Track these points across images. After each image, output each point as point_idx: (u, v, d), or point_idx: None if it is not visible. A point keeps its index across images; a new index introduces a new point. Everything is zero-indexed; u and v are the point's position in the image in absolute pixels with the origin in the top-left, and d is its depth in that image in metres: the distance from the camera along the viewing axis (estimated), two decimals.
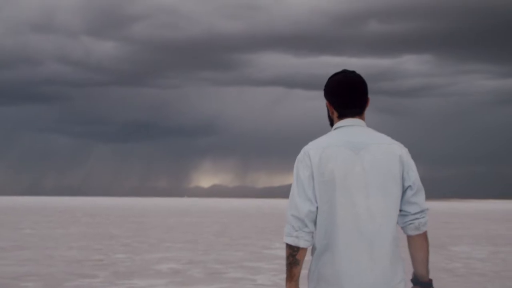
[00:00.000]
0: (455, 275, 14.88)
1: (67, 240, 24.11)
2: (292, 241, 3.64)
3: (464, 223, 43.66)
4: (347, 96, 3.75)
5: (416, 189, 3.68)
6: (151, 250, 20.43)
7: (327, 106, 3.87)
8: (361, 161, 3.62)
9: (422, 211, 3.70)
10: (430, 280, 3.78)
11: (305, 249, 3.65)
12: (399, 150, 3.70)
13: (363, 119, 3.82)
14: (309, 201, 3.61)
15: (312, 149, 3.68)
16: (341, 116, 3.79)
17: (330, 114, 3.86)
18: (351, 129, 3.74)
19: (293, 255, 3.66)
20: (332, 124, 3.88)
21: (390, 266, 3.60)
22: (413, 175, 3.68)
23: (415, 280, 3.78)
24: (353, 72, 3.84)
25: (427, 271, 3.77)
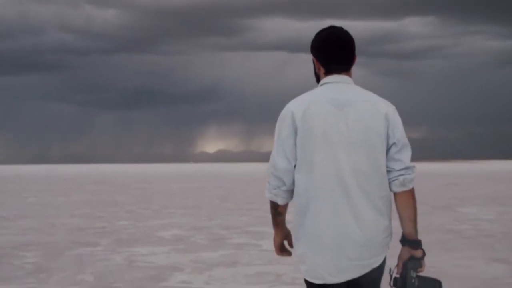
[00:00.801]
0: (463, 236, 14.61)
1: (70, 208, 23.91)
2: (271, 198, 3.77)
3: (470, 184, 43.43)
4: (334, 51, 3.74)
5: (400, 146, 3.67)
6: (154, 216, 20.21)
7: (313, 62, 3.83)
8: (345, 118, 3.60)
9: (407, 168, 3.68)
10: (419, 240, 3.74)
11: (284, 205, 3.79)
12: (386, 107, 3.68)
13: (350, 76, 3.79)
14: (287, 159, 3.64)
15: (296, 106, 3.66)
16: (328, 73, 3.77)
17: (317, 71, 3.84)
18: (336, 85, 3.72)
19: (275, 208, 3.81)
20: (318, 80, 3.85)
21: (373, 222, 3.61)
22: (398, 132, 3.67)
23: (403, 239, 3.74)
24: (341, 28, 3.82)
25: (415, 230, 3.72)
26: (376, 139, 3.63)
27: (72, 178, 67.04)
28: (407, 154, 3.69)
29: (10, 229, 16.77)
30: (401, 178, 3.68)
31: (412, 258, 3.74)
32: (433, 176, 64.39)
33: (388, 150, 3.68)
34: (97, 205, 25.43)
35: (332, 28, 3.83)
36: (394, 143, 3.67)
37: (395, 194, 3.73)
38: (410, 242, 3.74)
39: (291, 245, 3.89)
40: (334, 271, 3.63)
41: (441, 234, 14.98)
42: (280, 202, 3.76)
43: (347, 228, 3.60)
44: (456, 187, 38.70)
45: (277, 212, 3.82)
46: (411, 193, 3.73)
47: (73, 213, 21.42)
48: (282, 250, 3.94)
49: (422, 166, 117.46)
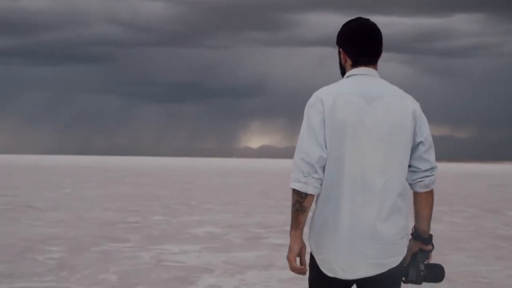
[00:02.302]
0: None
1: (105, 200, 23.34)
2: (301, 187, 3.56)
3: None
4: (363, 43, 3.67)
5: (428, 146, 3.63)
6: (191, 212, 19.51)
7: (339, 54, 3.77)
8: (373, 113, 3.55)
9: (432, 168, 3.64)
10: (431, 236, 3.78)
11: (312, 196, 3.59)
12: (412, 104, 3.63)
13: (376, 69, 3.72)
14: (320, 146, 3.54)
15: (325, 95, 3.58)
16: (355, 64, 3.70)
17: (343, 62, 3.77)
18: (364, 78, 3.65)
19: (300, 201, 3.59)
20: (343, 73, 3.78)
21: (393, 220, 3.56)
22: (425, 131, 3.63)
23: (416, 234, 3.76)
24: (369, 20, 3.75)
25: (429, 227, 3.75)
26: (403, 135, 3.58)
27: (113, 170, 66.87)
28: (433, 153, 3.66)
29: (40, 221, 16.21)
30: (426, 180, 3.65)
31: (421, 250, 3.79)
32: (480, 177, 63.01)
33: (414, 148, 3.63)
34: (134, 198, 24.85)
35: (360, 20, 3.75)
36: (421, 142, 3.63)
37: (416, 193, 3.71)
38: (423, 239, 3.77)
39: (302, 262, 3.70)
40: (347, 267, 3.58)
41: (492, 240, 14.04)
42: (311, 191, 3.57)
43: (364, 224, 3.55)
44: (505, 189, 37.48)
45: (302, 207, 3.60)
46: (432, 193, 3.72)
47: (107, 206, 20.82)
48: (296, 263, 3.68)
49: (469, 167, 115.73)
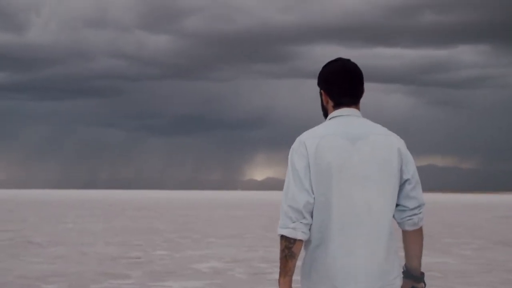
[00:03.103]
0: None
1: (107, 235, 22.99)
2: (289, 233, 3.47)
3: None
4: (344, 84, 3.64)
5: (414, 183, 3.58)
6: (193, 246, 19.15)
7: (321, 95, 3.73)
8: (358, 152, 3.51)
9: (419, 206, 3.60)
10: (422, 273, 3.71)
11: (301, 242, 3.50)
12: (397, 142, 3.60)
13: (358, 109, 3.69)
14: (306, 191, 3.47)
15: (309, 139, 3.54)
16: (337, 106, 3.66)
17: (325, 104, 3.72)
18: (347, 119, 3.62)
19: (289, 247, 3.49)
20: (326, 114, 3.73)
21: (386, 260, 3.50)
22: (412, 168, 3.59)
23: (407, 273, 3.69)
24: (349, 60, 3.74)
25: (420, 265, 3.71)
26: (390, 174, 3.52)
27: (117, 203, 66.52)
28: (420, 190, 3.62)
29: (40, 257, 15.87)
30: (415, 218, 3.59)
31: None
32: (486, 208, 62.50)
33: (401, 186, 3.57)
34: (137, 232, 24.50)
35: (341, 60, 3.72)
36: (408, 180, 3.57)
37: (404, 231, 3.64)
38: (415, 277, 3.69)
39: None
40: None
41: (503, 274, 13.65)
42: (300, 236, 3.47)
43: (359, 267, 3.46)
44: (511, 221, 37.04)
45: (291, 252, 3.47)
46: (421, 231, 3.66)
47: (109, 241, 20.48)
48: None
49: (475, 198, 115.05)
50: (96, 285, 11.62)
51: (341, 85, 3.64)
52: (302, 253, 3.59)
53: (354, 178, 3.50)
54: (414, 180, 3.58)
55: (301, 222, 3.49)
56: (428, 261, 15.42)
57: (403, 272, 3.69)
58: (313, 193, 3.51)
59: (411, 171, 3.58)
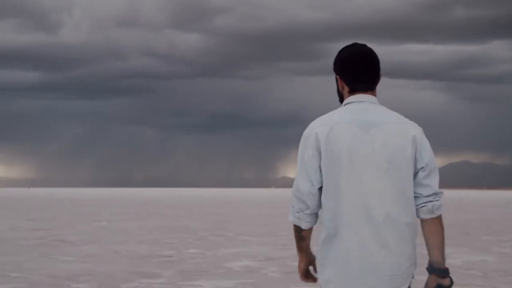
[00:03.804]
0: None
1: (140, 233, 22.80)
2: (295, 221, 3.58)
3: None
4: (359, 69, 3.57)
5: (429, 171, 3.49)
6: (226, 244, 18.88)
7: (336, 81, 3.67)
8: (371, 141, 3.45)
9: (435, 194, 3.50)
10: (446, 268, 3.54)
11: (308, 229, 3.58)
12: (413, 130, 3.51)
13: (374, 95, 3.61)
14: (310, 182, 3.48)
15: (320, 126, 3.51)
16: (352, 91, 3.60)
17: (340, 89, 3.66)
18: (362, 105, 3.55)
19: (299, 232, 3.61)
20: (342, 100, 3.67)
21: (400, 250, 3.44)
22: (427, 156, 3.50)
23: (430, 267, 3.55)
24: (365, 45, 3.65)
25: (443, 258, 3.55)
26: (403, 162, 3.45)
27: (151, 201, 66.54)
28: (435, 179, 3.52)
29: (71, 256, 15.69)
30: (429, 204, 3.49)
31: (439, 286, 3.54)
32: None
33: (415, 174, 3.50)
34: (170, 230, 24.30)
35: (356, 45, 3.65)
36: (422, 168, 3.49)
37: (422, 221, 3.55)
38: (438, 270, 3.54)
39: (316, 270, 3.67)
40: None
41: None
42: (304, 226, 3.57)
43: (372, 257, 3.42)
44: None
45: (301, 236, 3.62)
46: (439, 220, 3.54)
47: (141, 239, 20.27)
48: (307, 276, 3.74)
49: (510, 194, 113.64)
50: (126, 285, 11.37)
51: (356, 70, 3.58)
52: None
53: (366, 166, 3.45)
54: (428, 168, 3.50)
55: (304, 213, 3.54)
56: (467, 260, 15.00)
57: (427, 268, 3.59)
58: (318, 183, 3.49)
59: (425, 159, 3.50)
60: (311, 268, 3.74)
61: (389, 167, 3.45)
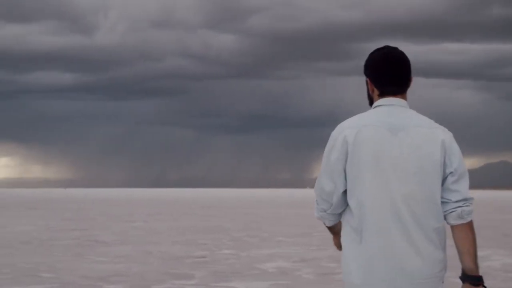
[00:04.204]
0: None
1: (173, 234, 22.74)
2: (319, 219, 3.66)
3: None
4: (390, 72, 3.54)
5: (458, 176, 3.44)
6: (261, 245, 18.72)
7: (366, 84, 3.65)
8: (399, 144, 3.43)
9: (465, 199, 3.43)
10: (480, 276, 3.42)
11: (333, 224, 3.64)
12: (442, 134, 3.48)
13: (405, 99, 3.59)
14: (333, 182, 3.47)
15: (348, 128, 3.48)
16: (382, 95, 3.57)
17: (370, 92, 3.63)
18: (391, 108, 3.52)
19: (327, 226, 3.70)
20: (371, 103, 3.63)
21: (429, 254, 3.39)
22: (456, 161, 3.44)
23: (463, 275, 3.45)
24: (396, 48, 3.62)
25: (476, 265, 3.44)
26: (431, 167, 3.41)
27: (185, 202, 66.66)
28: (465, 184, 3.46)
29: (104, 256, 15.64)
30: (458, 210, 3.43)
31: None
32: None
33: (444, 179, 3.45)
34: (204, 231, 24.21)
35: (387, 48, 3.63)
36: (451, 173, 3.44)
37: (452, 227, 3.48)
38: (470, 278, 3.43)
39: None
40: None
41: None
42: (327, 224, 3.65)
43: (402, 260, 3.38)
44: None
45: (329, 228, 3.71)
46: (470, 226, 3.46)
47: (176, 240, 20.20)
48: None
49: None
50: (159, 286, 11.26)
51: (386, 73, 3.55)
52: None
53: (393, 170, 3.41)
54: (457, 173, 3.45)
55: (327, 213, 3.56)
56: (506, 262, 14.69)
57: (460, 277, 3.51)
58: (343, 186, 3.46)
59: (454, 164, 3.45)
60: None
61: (417, 171, 3.41)
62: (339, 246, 3.77)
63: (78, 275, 12.45)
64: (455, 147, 3.48)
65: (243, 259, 15.19)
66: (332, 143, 3.51)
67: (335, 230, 3.72)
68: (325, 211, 3.57)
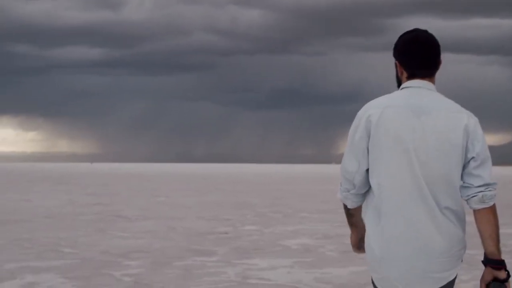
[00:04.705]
0: None
1: (198, 209, 22.59)
2: (341, 200, 3.67)
3: None
4: (419, 55, 3.56)
5: (480, 161, 3.44)
6: (285, 221, 18.52)
7: (395, 66, 3.68)
8: (422, 126, 3.45)
9: (487, 184, 3.44)
10: (502, 260, 3.45)
11: (355, 207, 3.65)
12: (467, 119, 3.48)
13: (433, 82, 3.60)
14: (357, 161, 3.51)
15: (373, 108, 3.52)
16: (411, 77, 3.59)
17: (399, 75, 3.67)
18: (418, 90, 3.54)
19: (347, 209, 3.69)
20: (399, 86, 3.67)
21: (449, 232, 3.43)
22: (478, 146, 3.45)
23: (485, 259, 3.48)
24: (426, 31, 3.64)
25: (498, 249, 3.46)
26: (453, 150, 3.44)
27: (211, 177, 66.61)
28: (487, 170, 3.46)
29: (127, 231, 15.51)
30: (480, 194, 3.44)
31: (495, 280, 3.46)
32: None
33: (466, 164, 3.47)
34: (228, 206, 24.06)
35: (417, 31, 3.64)
36: (473, 157, 3.45)
37: (474, 211, 3.49)
38: (492, 262, 3.46)
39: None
40: (407, 283, 3.46)
41: None
42: (350, 205, 3.65)
43: (423, 238, 3.42)
44: None
45: (349, 213, 3.72)
46: (492, 210, 3.47)
47: (200, 215, 20.05)
48: (359, 248, 3.78)
49: None
50: (180, 262, 11.09)
51: (415, 56, 3.57)
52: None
53: (414, 152, 3.43)
54: (480, 158, 3.46)
55: (350, 193, 3.58)
56: None
57: (483, 261, 3.54)
58: (365, 164, 3.50)
59: (477, 149, 3.46)
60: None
61: (438, 154, 3.43)
62: (356, 246, 3.83)
63: (98, 251, 12.32)
64: (479, 133, 3.50)
65: (266, 236, 14.99)
66: (357, 122, 3.54)
67: (353, 221, 3.75)
68: (348, 191, 3.59)
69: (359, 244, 3.79)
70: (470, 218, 3.53)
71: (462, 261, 3.55)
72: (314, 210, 22.65)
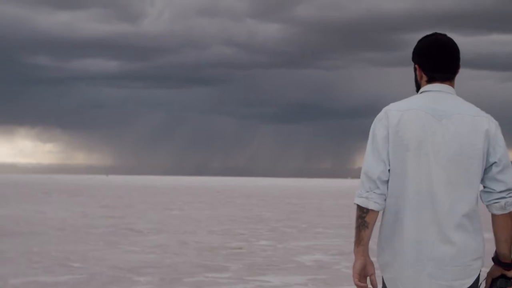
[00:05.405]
0: None
1: (211, 223, 22.29)
2: (362, 202, 3.47)
3: None
4: (438, 58, 3.54)
5: (502, 166, 3.42)
6: (299, 236, 18.19)
7: (414, 70, 3.66)
8: (442, 130, 3.42)
9: (509, 190, 3.42)
10: None
11: (374, 212, 3.46)
12: (487, 123, 3.45)
13: (452, 86, 3.58)
14: (383, 162, 3.45)
15: (393, 110, 3.50)
16: (430, 81, 3.57)
17: (418, 79, 3.64)
18: (438, 94, 3.52)
19: (362, 217, 3.48)
20: (418, 89, 3.64)
21: (462, 241, 3.39)
22: (500, 151, 3.43)
23: (496, 259, 3.56)
24: (445, 35, 3.61)
25: (510, 252, 3.51)
26: (473, 155, 3.41)
27: (226, 191, 66.33)
28: (509, 174, 3.45)
29: (138, 245, 15.25)
30: (502, 201, 3.43)
31: (502, 276, 3.57)
32: None
33: (487, 169, 3.45)
34: (241, 220, 23.75)
35: (436, 35, 3.62)
36: (495, 162, 3.43)
37: (493, 215, 3.51)
38: (504, 264, 3.54)
39: (372, 281, 3.48)
40: (414, 286, 3.42)
41: None
42: (372, 206, 3.45)
43: (433, 245, 3.39)
44: None
45: (364, 222, 3.46)
46: (510, 215, 3.47)
47: (212, 229, 19.76)
48: (361, 280, 3.48)
49: None
50: (190, 279, 10.80)
51: (435, 59, 3.55)
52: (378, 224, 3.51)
53: (434, 156, 3.40)
54: (502, 163, 3.43)
55: (374, 192, 3.45)
56: None
57: (493, 258, 3.60)
58: (389, 165, 3.44)
59: (498, 154, 3.44)
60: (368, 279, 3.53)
61: (458, 159, 3.40)
62: (359, 274, 3.48)
63: (107, 266, 12.05)
64: (499, 137, 3.48)
65: (280, 251, 14.68)
66: (378, 123, 3.51)
67: (364, 235, 3.47)
68: (371, 190, 3.47)
69: (361, 275, 3.52)
70: (489, 235, 3.44)
71: (480, 271, 3.49)
72: (329, 225, 22.31)
